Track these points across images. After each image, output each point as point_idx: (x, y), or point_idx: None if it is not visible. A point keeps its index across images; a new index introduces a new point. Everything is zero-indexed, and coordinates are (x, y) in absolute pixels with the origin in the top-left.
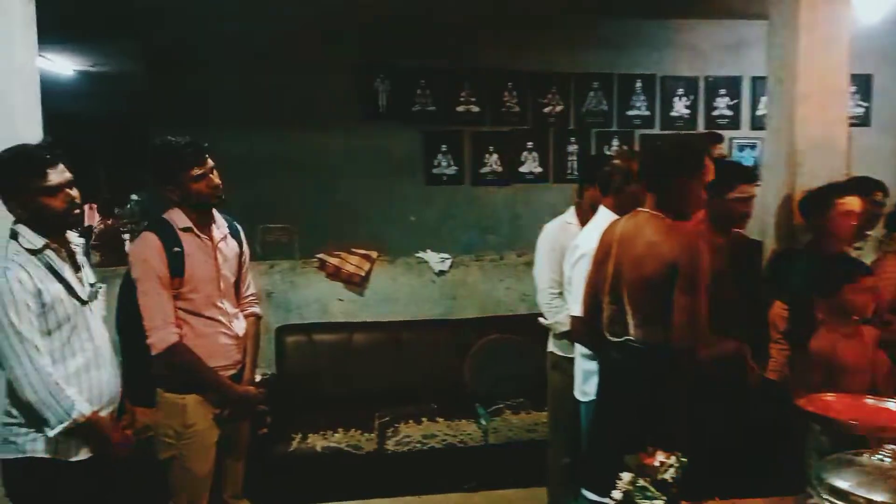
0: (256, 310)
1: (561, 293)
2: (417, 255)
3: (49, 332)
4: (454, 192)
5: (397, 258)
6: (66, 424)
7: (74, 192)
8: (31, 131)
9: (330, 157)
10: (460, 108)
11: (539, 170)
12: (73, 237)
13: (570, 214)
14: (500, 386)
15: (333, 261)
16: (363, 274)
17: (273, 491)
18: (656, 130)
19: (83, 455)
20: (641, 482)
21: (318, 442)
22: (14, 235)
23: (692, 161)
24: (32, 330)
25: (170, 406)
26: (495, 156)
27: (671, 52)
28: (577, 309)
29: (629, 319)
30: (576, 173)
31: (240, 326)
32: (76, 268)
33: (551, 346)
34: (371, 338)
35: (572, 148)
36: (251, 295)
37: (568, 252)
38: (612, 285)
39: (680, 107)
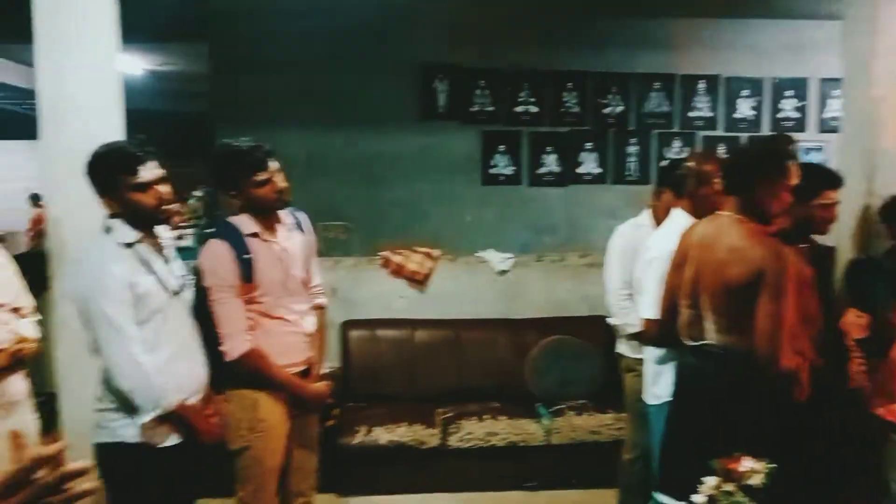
0: (322, 301)
1: (631, 295)
2: (478, 254)
3: (141, 323)
4: (511, 192)
5: (459, 257)
6: (156, 412)
7: (165, 189)
8: (113, 130)
9: (388, 156)
10: (519, 109)
11: (598, 171)
12: (163, 231)
13: (644, 217)
14: (562, 387)
15: (396, 258)
16: (425, 272)
17: (338, 481)
18: (719, 132)
19: (172, 441)
20: (728, 487)
21: (382, 435)
22: (108, 230)
23: (776, 164)
24: (127, 321)
25: (242, 400)
26: (553, 156)
27: (736, 52)
28: (647, 311)
29: (707, 324)
30: (636, 175)
31: (310, 323)
32: (166, 261)
33: (621, 349)
34: (433, 335)
35: (632, 149)
36: (317, 286)
37: (639, 254)
38: (690, 289)
39: (744, 108)
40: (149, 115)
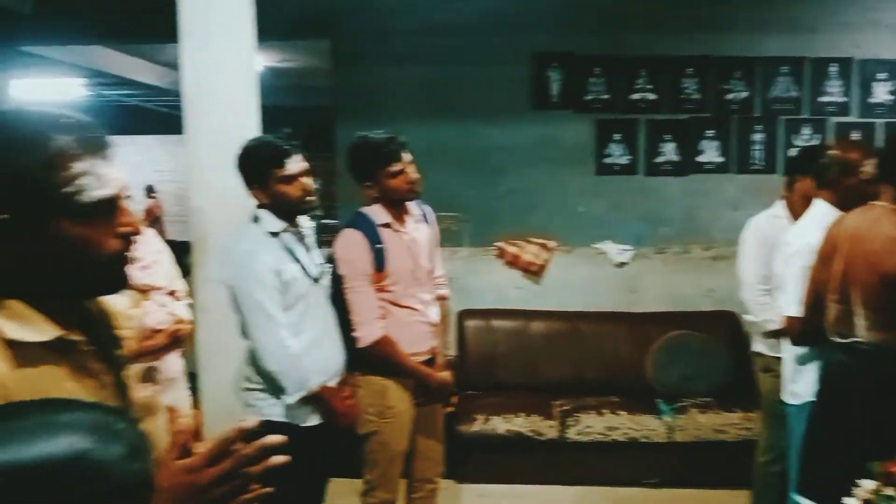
0: (444, 292)
1: (769, 290)
2: (596, 245)
3: (287, 308)
4: (626, 182)
5: (575, 248)
6: (302, 393)
7: (309, 181)
8: (250, 124)
9: (501, 146)
10: (635, 96)
11: (720, 159)
12: (304, 221)
13: (779, 208)
14: (684, 383)
15: (511, 249)
16: (541, 263)
17: (455, 468)
18: (853, 118)
19: (314, 421)
20: (889, 491)
21: (500, 424)
22: (256, 219)
23: None
24: (275, 306)
25: (372, 386)
26: (671, 145)
27: (871, 33)
28: (789, 308)
29: (858, 319)
30: (760, 164)
31: (435, 313)
32: (307, 249)
33: (759, 347)
34: (549, 326)
35: (757, 137)
36: (440, 276)
37: (779, 248)
38: (839, 283)
39: (881, 92)
40: (271, 110)
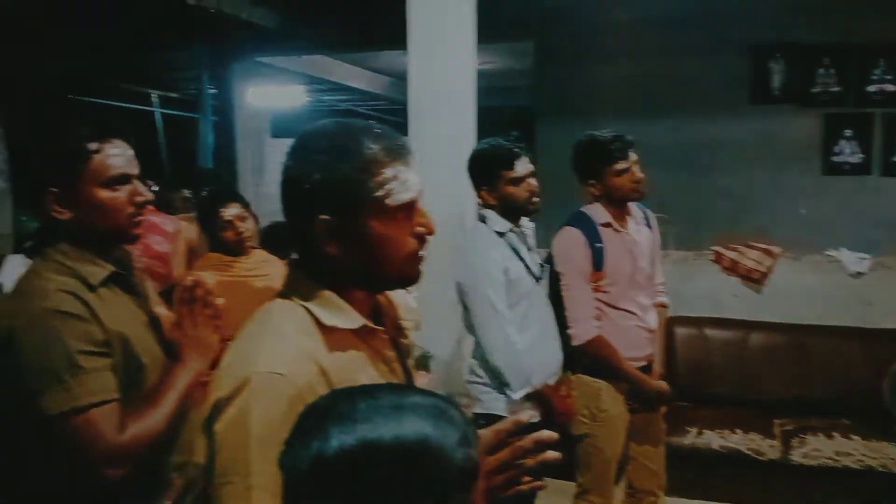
0: (664, 299)
1: None
2: (827, 252)
3: (512, 306)
4: (858, 182)
5: (803, 255)
6: (526, 389)
7: (535, 183)
8: (469, 125)
9: (714, 143)
10: (872, 88)
11: None
12: (525, 222)
13: None
14: None
15: (730, 254)
16: (764, 270)
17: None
18: None
19: (535, 418)
20: None
21: (714, 439)
22: (483, 219)
23: None
24: (503, 303)
25: (585, 388)
26: None
27: None
28: None
29: None
30: None
31: (653, 319)
32: (528, 249)
33: None
34: (770, 339)
35: None
36: (660, 283)
37: None
38: None
39: None
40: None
